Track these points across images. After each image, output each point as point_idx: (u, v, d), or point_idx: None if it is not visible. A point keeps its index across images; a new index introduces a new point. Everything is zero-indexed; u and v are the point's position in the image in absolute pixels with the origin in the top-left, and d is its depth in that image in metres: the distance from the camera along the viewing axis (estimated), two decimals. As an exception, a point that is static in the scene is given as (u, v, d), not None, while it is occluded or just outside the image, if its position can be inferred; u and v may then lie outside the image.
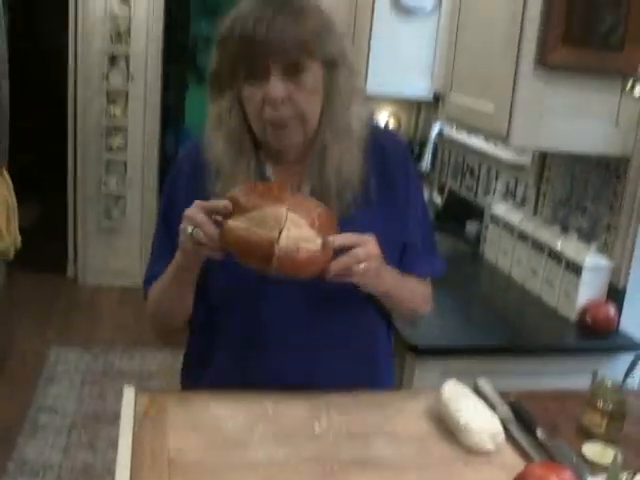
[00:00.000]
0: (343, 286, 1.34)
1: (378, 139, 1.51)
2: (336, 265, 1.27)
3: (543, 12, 2.02)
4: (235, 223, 1.25)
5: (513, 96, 2.09)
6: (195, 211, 1.28)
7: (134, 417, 1.30)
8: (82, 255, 5.16)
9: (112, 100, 4.92)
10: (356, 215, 1.43)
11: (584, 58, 2.05)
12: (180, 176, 1.52)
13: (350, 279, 1.31)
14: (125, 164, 5.04)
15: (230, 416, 1.35)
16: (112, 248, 5.15)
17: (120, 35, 4.81)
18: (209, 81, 1.44)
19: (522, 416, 1.44)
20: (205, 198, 1.34)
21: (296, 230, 1.24)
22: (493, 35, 2.24)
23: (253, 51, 1.32)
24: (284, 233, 1.23)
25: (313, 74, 1.37)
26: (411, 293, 1.55)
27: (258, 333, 1.46)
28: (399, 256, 1.53)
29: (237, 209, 1.27)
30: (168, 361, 4.03)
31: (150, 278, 1.55)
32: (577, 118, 2.12)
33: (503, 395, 1.49)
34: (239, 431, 1.30)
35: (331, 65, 1.39)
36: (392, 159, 1.52)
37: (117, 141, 4.95)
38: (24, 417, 3.39)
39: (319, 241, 1.26)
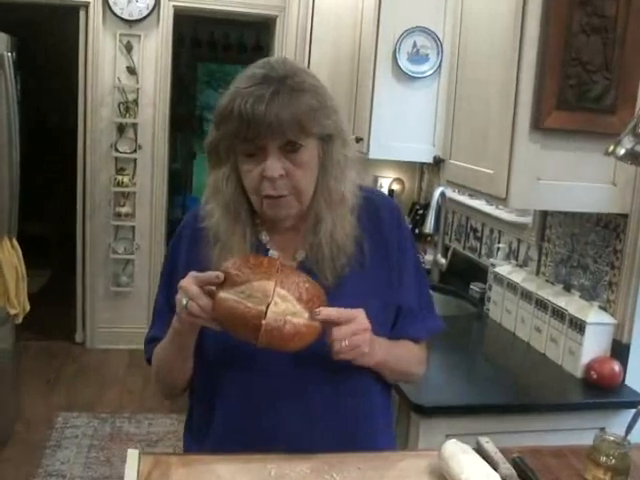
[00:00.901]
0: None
1: (372, 204, 1.55)
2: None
3: (537, 78, 2.09)
4: (225, 295, 1.30)
5: (510, 159, 2.15)
6: (189, 282, 1.33)
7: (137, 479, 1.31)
8: (90, 320, 5.19)
9: (120, 168, 5.02)
10: (350, 280, 1.47)
11: (578, 121, 2.11)
12: (182, 241, 1.57)
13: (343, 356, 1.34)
14: (133, 230, 5.10)
15: (233, 478, 1.35)
16: (120, 313, 5.18)
17: (128, 105, 4.93)
18: (207, 151, 1.49)
19: (525, 473, 1.45)
20: (204, 264, 1.40)
21: (283, 304, 1.28)
22: (489, 101, 2.31)
23: (251, 130, 1.36)
24: (271, 307, 1.27)
25: (309, 150, 1.42)
26: (403, 360, 1.57)
27: (254, 398, 1.47)
28: (394, 319, 1.56)
29: (229, 281, 1.31)
30: (175, 426, 4.02)
31: (150, 340, 1.60)
32: (574, 178, 2.17)
33: (505, 452, 1.50)
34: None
35: (326, 139, 1.44)
36: (386, 223, 1.56)
37: (125, 208, 5.03)
38: (31, 484, 3.38)
39: (306, 315, 1.30)
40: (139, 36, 4.89)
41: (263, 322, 1.26)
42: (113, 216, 5.05)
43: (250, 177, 1.42)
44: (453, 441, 1.42)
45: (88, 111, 4.93)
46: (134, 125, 4.99)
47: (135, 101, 4.96)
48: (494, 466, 1.42)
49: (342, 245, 1.46)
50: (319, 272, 1.46)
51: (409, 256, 1.60)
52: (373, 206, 1.55)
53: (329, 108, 1.44)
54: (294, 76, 1.39)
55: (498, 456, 1.47)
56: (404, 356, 1.57)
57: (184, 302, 1.33)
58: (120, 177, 4.98)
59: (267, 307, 1.27)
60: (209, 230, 1.47)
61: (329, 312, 1.32)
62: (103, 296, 5.18)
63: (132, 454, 1.38)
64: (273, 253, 1.50)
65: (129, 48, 4.89)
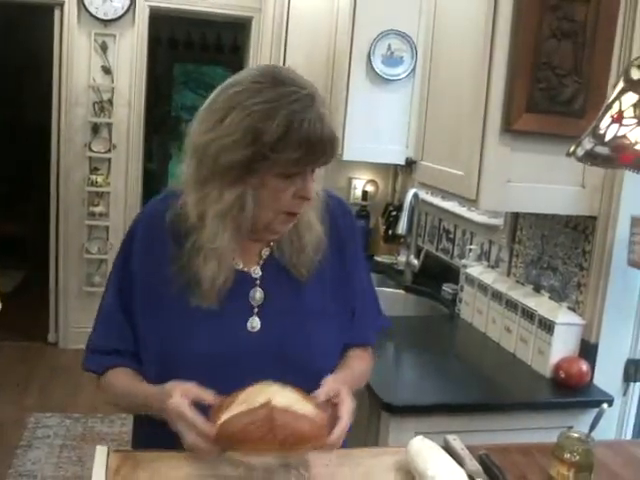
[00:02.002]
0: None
1: (329, 205, 1.57)
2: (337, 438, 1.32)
3: (507, 81, 2.12)
4: (229, 414, 1.25)
5: (481, 161, 2.17)
6: (183, 405, 1.28)
7: (106, 476, 1.31)
8: (63, 320, 5.16)
9: (94, 168, 4.99)
10: (311, 282, 1.52)
11: (548, 124, 2.14)
12: (135, 241, 1.53)
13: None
14: (107, 230, 5.08)
15: (200, 472, 1.36)
16: (93, 313, 5.08)
17: (103, 105, 4.91)
18: (227, 168, 1.37)
19: (491, 470, 1.47)
20: (162, 264, 1.42)
21: (284, 396, 1.27)
22: (460, 103, 2.33)
23: (316, 152, 1.35)
24: (276, 399, 1.25)
25: None
26: (359, 380, 1.64)
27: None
28: (349, 320, 1.60)
29: (221, 408, 1.27)
30: (148, 426, 4.01)
31: (94, 349, 1.57)
32: (544, 181, 2.20)
33: (473, 449, 1.52)
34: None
35: None
36: (340, 222, 1.60)
37: (99, 208, 5.01)
38: (2, 485, 3.36)
39: (309, 403, 1.29)
40: (114, 36, 4.87)
41: (276, 414, 1.23)
42: (87, 216, 5.03)
43: (281, 197, 1.39)
44: (420, 438, 1.44)
45: (62, 110, 4.90)
46: (109, 125, 4.97)
47: (110, 101, 4.94)
48: (461, 463, 1.44)
49: (319, 241, 1.50)
50: (293, 268, 1.51)
51: (361, 258, 1.67)
52: (330, 208, 1.57)
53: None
54: (317, 92, 1.39)
55: (465, 453, 1.50)
56: (360, 377, 1.64)
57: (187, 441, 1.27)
58: (94, 177, 4.96)
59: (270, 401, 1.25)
60: (201, 240, 1.41)
61: (326, 391, 1.36)
62: (76, 296, 5.14)
63: (101, 450, 1.38)
64: (238, 262, 1.50)
65: (104, 48, 4.87)
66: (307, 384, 1.37)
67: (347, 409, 1.35)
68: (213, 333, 1.46)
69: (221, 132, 1.35)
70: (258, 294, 1.50)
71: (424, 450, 1.40)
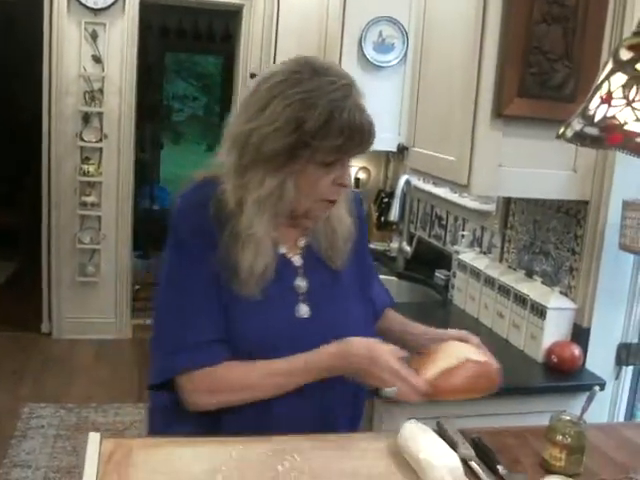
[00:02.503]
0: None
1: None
2: None
3: (498, 67, 2.11)
4: (437, 370, 1.46)
5: (472, 146, 2.17)
6: (395, 363, 1.42)
7: (98, 463, 1.31)
8: (56, 310, 5.15)
9: (86, 157, 4.97)
10: (345, 269, 1.62)
11: (539, 109, 2.13)
12: (193, 235, 1.49)
13: None
14: (99, 219, 5.07)
15: (194, 460, 1.36)
16: (87, 303, 5.15)
17: (93, 94, 4.89)
18: (270, 155, 1.42)
19: (484, 453, 1.48)
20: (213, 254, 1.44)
21: (469, 350, 1.55)
22: (452, 89, 2.33)
23: (356, 140, 1.41)
24: (471, 354, 1.52)
25: None
26: None
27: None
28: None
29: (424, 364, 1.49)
30: (142, 415, 4.02)
31: (192, 346, 1.46)
32: (535, 165, 2.20)
33: (465, 433, 1.53)
34: (202, 474, 1.32)
35: None
36: (355, 216, 1.66)
37: (91, 197, 4.99)
38: (-4, 475, 3.36)
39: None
40: (104, 24, 4.84)
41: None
42: (79, 206, 5.01)
43: (320, 184, 1.46)
44: (413, 421, 1.44)
45: (53, 100, 4.87)
46: (100, 114, 4.95)
47: (101, 90, 4.91)
48: (453, 446, 1.45)
49: (350, 234, 1.61)
50: (329, 259, 1.60)
51: (366, 244, 1.80)
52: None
53: None
54: (354, 82, 1.46)
55: (458, 436, 1.50)
56: None
57: (390, 389, 1.41)
58: (86, 166, 4.93)
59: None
60: (242, 228, 1.44)
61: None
62: (69, 286, 5.14)
63: (93, 437, 1.39)
64: (282, 247, 1.55)
65: (94, 36, 4.84)
66: None
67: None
68: (262, 321, 1.49)
69: (263, 121, 1.41)
70: (303, 283, 1.56)
71: (416, 434, 1.40)
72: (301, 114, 1.38)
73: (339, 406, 1.58)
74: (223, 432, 1.48)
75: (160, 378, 1.49)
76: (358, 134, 1.40)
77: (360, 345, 1.45)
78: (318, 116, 1.38)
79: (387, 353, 1.43)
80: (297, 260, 1.57)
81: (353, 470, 1.37)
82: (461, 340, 1.59)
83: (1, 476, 3.36)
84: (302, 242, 1.59)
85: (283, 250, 1.55)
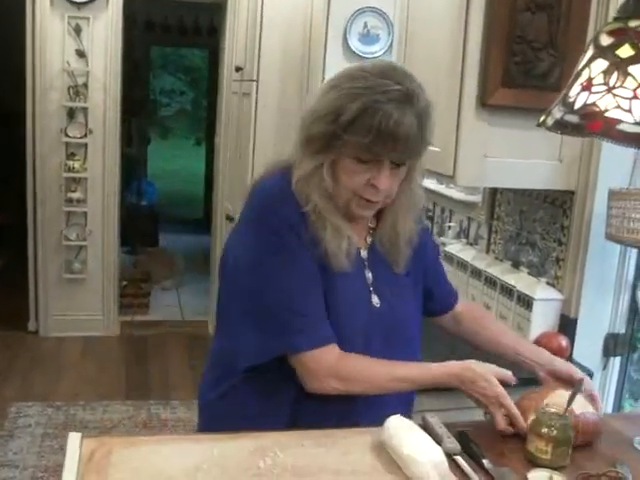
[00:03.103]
0: None
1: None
2: None
3: (482, 56, 2.10)
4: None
5: (457, 136, 2.16)
6: (505, 396, 1.53)
7: (79, 462, 1.29)
8: (43, 308, 5.12)
9: (71, 153, 4.93)
10: (407, 274, 1.67)
11: (524, 98, 2.12)
12: (292, 229, 1.50)
13: None
14: (85, 216, 5.03)
15: (175, 458, 1.34)
16: (73, 300, 5.11)
17: (78, 89, 4.85)
18: (310, 138, 1.50)
19: (469, 447, 1.46)
20: (319, 247, 1.49)
21: (577, 402, 1.54)
22: (436, 79, 2.30)
23: (384, 147, 1.43)
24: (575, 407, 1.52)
25: (406, 164, 1.52)
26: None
27: None
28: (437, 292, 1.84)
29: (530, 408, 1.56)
30: (130, 412, 4.00)
31: (304, 328, 1.50)
32: (521, 155, 2.19)
33: (451, 427, 1.51)
34: (183, 472, 1.30)
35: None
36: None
37: (77, 194, 4.96)
38: (-17, 475, 3.33)
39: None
40: (88, 18, 4.80)
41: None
42: (64, 202, 4.97)
43: (354, 179, 1.49)
44: (397, 416, 1.42)
45: (37, 95, 4.83)
46: (84, 109, 4.91)
47: (85, 85, 4.88)
48: (438, 440, 1.43)
49: (414, 242, 1.64)
50: (392, 260, 1.64)
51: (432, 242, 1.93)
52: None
53: (433, 123, 1.51)
54: (420, 93, 1.46)
55: (442, 431, 1.49)
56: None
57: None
58: (71, 162, 4.90)
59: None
60: (310, 213, 1.50)
61: None
62: (56, 283, 5.10)
63: (73, 437, 1.36)
64: (351, 235, 1.55)
65: (78, 31, 4.80)
66: (404, 352, 1.62)
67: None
68: (353, 303, 1.57)
69: (317, 105, 1.49)
70: (370, 275, 1.62)
71: (400, 429, 1.38)
72: (342, 105, 1.43)
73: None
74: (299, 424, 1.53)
75: (266, 357, 1.51)
76: (389, 139, 1.42)
77: (480, 373, 1.55)
78: (353, 110, 1.41)
79: (494, 379, 1.55)
80: (364, 253, 1.63)
81: (336, 466, 1.35)
82: (574, 382, 1.63)
83: (-11, 476, 3.34)
84: (369, 239, 1.64)
85: (354, 240, 1.57)
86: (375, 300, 1.61)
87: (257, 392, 1.57)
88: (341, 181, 1.50)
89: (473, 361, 1.57)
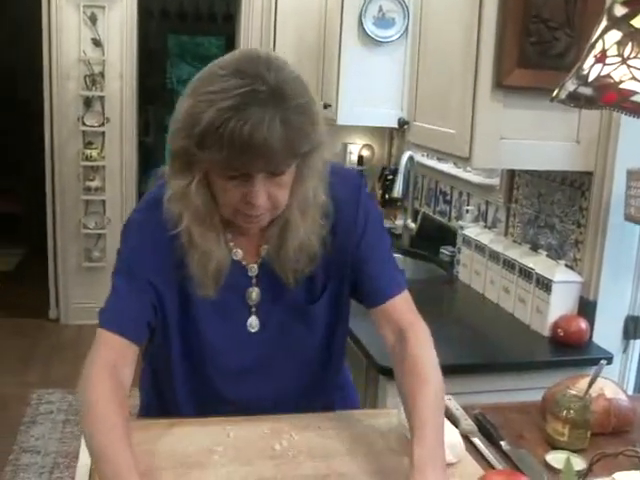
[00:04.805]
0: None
1: (335, 185, 1.43)
2: None
3: (497, 36, 2.07)
4: None
5: (473, 118, 2.14)
6: None
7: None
8: (64, 296, 5.15)
9: (88, 142, 4.94)
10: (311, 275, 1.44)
11: (540, 79, 2.09)
12: (143, 237, 1.41)
13: None
14: (104, 204, 5.05)
15: (190, 440, 1.35)
16: (93, 288, 5.13)
17: (94, 78, 4.85)
18: (172, 156, 1.31)
19: (486, 429, 1.45)
20: (181, 269, 1.35)
21: None
22: (452, 61, 2.29)
23: (243, 161, 1.20)
24: None
25: (291, 168, 1.29)
26: (440, 420, 1.31)
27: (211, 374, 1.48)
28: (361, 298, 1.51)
29: None
30: (150, 398, 4.02)
31: (113, 319, 1.42)
32: (537, 137, 2.17)
33: (468, 409, 1.51)
34: (199, 453, 1.31)
35: (309, 153, 1.29)
36: (351, 204, 1.47)
37: (95, 182, 4.97)
38: (6, 461, 3.36)
39: None
40: (103, 7, 4.79)
41: None
42: (83, 191, 4.98)
43: (228, 197, 1.28)
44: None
45: (54, 84, 4.84)
46: (101, 98, 4.91)
47: (101, 74, 4.87)
48: (455, 423, 1.42)
49: (310, 250, 1.39)
50: (281, 272, 1.42)
51: (372, 232, 1.50)
52: (337, 190, 1.43)
53: (316, 118, 1.27)
54: (286, 87, 1.21)
55: (460, 413, 1.48)
56: (440, 412, 1.33)
57: None
58: (88, 151, 4.90)
59: None
60: (180, 235, 1.34)
61: None
62: (76, 272, 5.13)
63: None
64: (237, 252, 1.44)
65: (93, 20, 4.79)
66: (311, 368, 1.50)
67: None
68: (217, 329, 1.45)
69: (175, 116, 1.27)
70: (254, 294, 1.45)
71: (417, 410, 1.37)
72: (195, 117, 1.20)
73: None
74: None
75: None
76: (247, 151, 1.18)
77: None
78: (203, 123, 1.18)
79: None
80: (253, 269, 1.45)
81: (351, 448, 1.35)
82: None
83: (11, 462, 3.37)
84: (265, 249, 1.44)
85: (238, 257, 1.44)
86: (253, 324, 1.46)
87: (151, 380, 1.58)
88: (218, 198, 1.31)
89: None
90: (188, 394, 1.50)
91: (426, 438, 1.21)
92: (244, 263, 1.44)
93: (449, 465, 1.28)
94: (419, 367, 1.37)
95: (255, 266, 1.45)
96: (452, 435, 1.32)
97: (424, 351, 1.41)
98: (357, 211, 1.47)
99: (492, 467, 1.34)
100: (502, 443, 1.41)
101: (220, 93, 1.18)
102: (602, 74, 1.24)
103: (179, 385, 1.50)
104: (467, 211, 3.02)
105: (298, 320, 1.48)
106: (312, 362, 1.52)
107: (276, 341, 1.47)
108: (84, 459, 1.27)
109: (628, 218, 2.06)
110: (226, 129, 1.16)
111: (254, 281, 1.45)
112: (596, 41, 1.28)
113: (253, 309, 1.46)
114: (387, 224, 3.71)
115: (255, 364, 1.47)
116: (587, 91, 1.28)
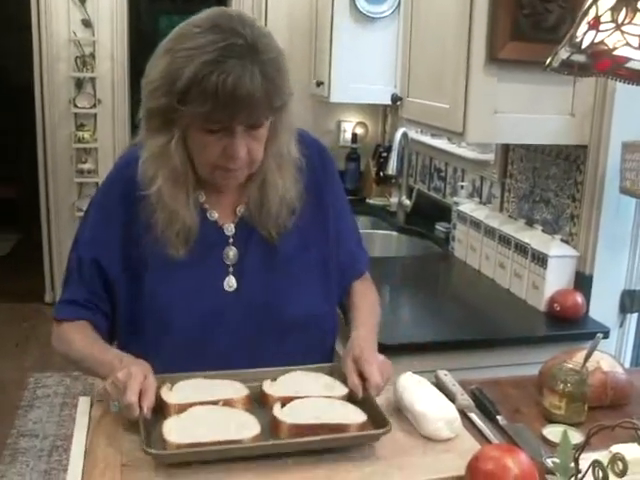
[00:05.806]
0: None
1: (303, 149, 1.50)
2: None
3: (490, 10, 2.05)
4: None
5: (466, 92, 2.12)
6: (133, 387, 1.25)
7: (89, 425, 1.29)
8: (59, 280, 5.13)
9: (80, 124, 4.91)
10: (291, 235, 1.49)
11: (534, 52, 2.06)
12: (114, 198, 1.47)
13: None
14: (97, 186, 5.01)
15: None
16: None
17: (85, 59, 4.81)
18: (148, 115, 1.36)
19: (483, 404, 1.45)
20: (147, 229, 1.39)
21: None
22: (444, 35, 2.27)
23: (226, 113, 1.26)
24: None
25: (267, 123, 1.36)
26: (375, 314, 1.65)
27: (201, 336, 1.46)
28: (336, 262, 1.58)
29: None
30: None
31: (66, 302, 1.57)
32: (531, 110, 2.15)
33: (464, 384, 1.50)
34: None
35: (281, 108, 1.36)
36: (316, 164, 1.55)
37: (88, 164, 4.94)
38: (4, 445, 3.37)
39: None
40: (91, -13, 4.75)
41: None
42: (76, 173, 4.95)
43: (208, 152, 1.34)
44: (408, 374, 1.41)
45: (44, 66, 4.79)
46: (92, 79, 4.87)
47: (92, 55, 4.83)
48: (452, 398, 1.42)
49: (290, 203, 1.46)
50: (262, 229, 1.47)
51: (340, 197, 1.64)
52: (305, 151, 1.50)
53: (287, 73, 1.35)
54: (260, 42, 1.28)
55: (456, 388, 1.48)
56: (375, 309, 1.66)
57: (115, 407, 1.29)
58: (81, 133, 4.87)
59: None
60: (150, 196, 1.38)
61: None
62: (71, 255, 5.11)
63: (83, 401, 1.38)
64: (213, 213, 1.47)
65: (82, 0, 4.75)
66: (293, 334, 1.48)
67: (370, 370, 1.36)
68: (192, 291, 1.44)
69: (151, 76, 1.32)
70: (232, 253, 1.48)
71: (412, 386, 1.37)
72: (175, 73, 1.25)
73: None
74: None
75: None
76: (231, 103, 1.23)
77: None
78: (185, 78, 1.23)
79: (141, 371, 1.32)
80: (230, 229, 1.48)
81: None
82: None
83: (9, 445, 3.38)
84: (241, 209, 1.49)
85: (214, 217, 1.47)
86: (231, 283, 1.47)
87: None
88: (195, 155, 1.36)
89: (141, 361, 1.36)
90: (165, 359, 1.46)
91: (366, 325, 1.53)
92: (220, 223, 1.47)
93: (446, 440, 1.28)
94: (362, 290, 1.66)
95: (232, 225, 1.48)
96: (449, 410, 1.31)
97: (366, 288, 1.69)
98: (329, 175, 1.59)
99: (489, 442, 1.34)
100: (499, 418, 1.41)
101: (199, 48, 1.24)
102: (596, 41, 1.22)
103: (152, 351, 1.45)
104: (462, 187, 3.01)
105: (277, 279, 1.49)
106: (294, 325, 1.50)
107: (254, 301, 1.47)
108: (79, 437, 1.26)
109: (623, 191, 2.04)
110: (209, 82, 1.22)
111: (231, 240, 1.48)
112: (589, 7, 1.26)
113: (230, 269, 1.47)
114: (382, 202, 3.70)
115: (234, 327, 1.46)
116: (581, 58, 1.27)
